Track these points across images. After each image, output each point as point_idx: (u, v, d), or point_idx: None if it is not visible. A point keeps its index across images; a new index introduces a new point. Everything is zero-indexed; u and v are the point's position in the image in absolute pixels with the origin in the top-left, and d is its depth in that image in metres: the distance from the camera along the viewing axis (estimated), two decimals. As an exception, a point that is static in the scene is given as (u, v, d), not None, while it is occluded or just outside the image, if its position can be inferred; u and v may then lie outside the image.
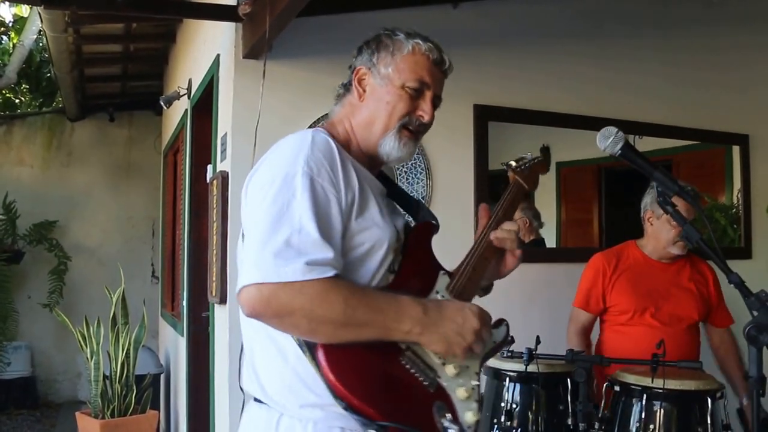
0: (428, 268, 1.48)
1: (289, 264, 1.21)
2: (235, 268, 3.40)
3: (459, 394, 1.34)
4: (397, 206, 1.62)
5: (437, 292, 1.44)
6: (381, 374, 1.29)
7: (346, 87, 1.55)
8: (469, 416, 1.33)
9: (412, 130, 1.49)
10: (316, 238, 1.24)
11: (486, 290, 1.67)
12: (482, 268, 1.52)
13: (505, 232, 1.55)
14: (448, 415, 1.31)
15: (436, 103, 1.51)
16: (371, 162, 1.52)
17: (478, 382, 1.38)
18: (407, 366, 1.31)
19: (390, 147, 1.48)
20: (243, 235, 1.42)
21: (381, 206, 1.43)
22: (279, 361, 1.35)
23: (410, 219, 1.63)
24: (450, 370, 1.35)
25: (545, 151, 3.79)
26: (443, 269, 1.49)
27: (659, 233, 2.76)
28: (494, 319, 1.49)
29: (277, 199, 1.28)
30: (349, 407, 1.23)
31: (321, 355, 1.25)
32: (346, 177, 1.36)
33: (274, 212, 1.27)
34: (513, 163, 1.72)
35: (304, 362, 1.29)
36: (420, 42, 1.49)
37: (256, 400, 1.41)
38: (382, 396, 1.26)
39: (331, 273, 1.23)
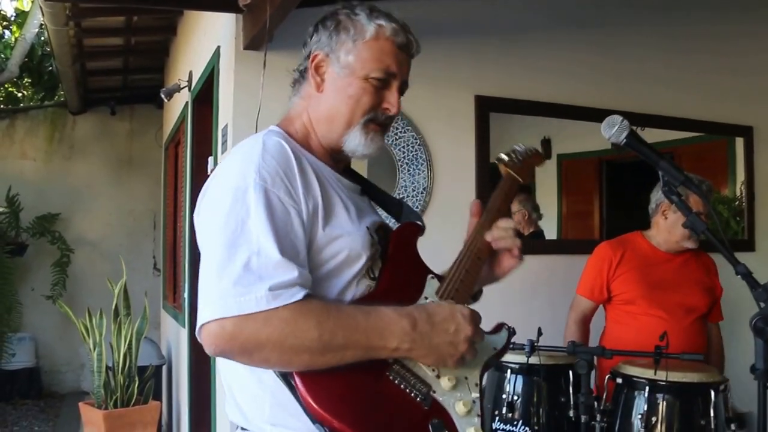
0: (414, 273, 1.35)
1: (251, 292, 1.08)
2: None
3: (458, 409, 1.22)
4: (372, 203, 1.48)
5: (426, 298, 1.32)
6: (366, 392, 1.16)
7: (302, 74, 1.39)
8: None
9: (379, 123, 1.35)
10: (278, 259, 1.11)
11: (474, 297, 1.51)
12: (475, 271, 1.38)
13: (502, 231, 1.40)
14: None
15: (402, 89, 1.37)
16: (335, 158, 1.38)
17: (478, 395, 1.26)
18: (396, 381, 1.18)
19: (356, 144, 1.33)
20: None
21: (349, 209, 1.30)
22: (255, 386, 1.23)
23: (387, 217, 1.52)
24: (445, 383, 1.22)
25: (546, 143, 3.78)
26: (431, 273, 1.36)
27: (674, 227, 2.74)
28: (497, 320, 1.40)
29: (229, 220, 1.15)
30: (330, 431, 1.10)
31: (296, 375, 1.13)
32: (305, 184, 1.22)
33: (228, 234, 1.13)
34: (504, 157, 1.58)
35: (282, 385, 1.17)
36: (383, 23, 1.32)
37: (242, 429, 1.29)
38: (367, 416, 1.13)
39: (299, 295, 1.10)
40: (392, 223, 1.47)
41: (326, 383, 1.13)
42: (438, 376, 1.23)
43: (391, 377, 1.19)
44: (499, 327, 1.39)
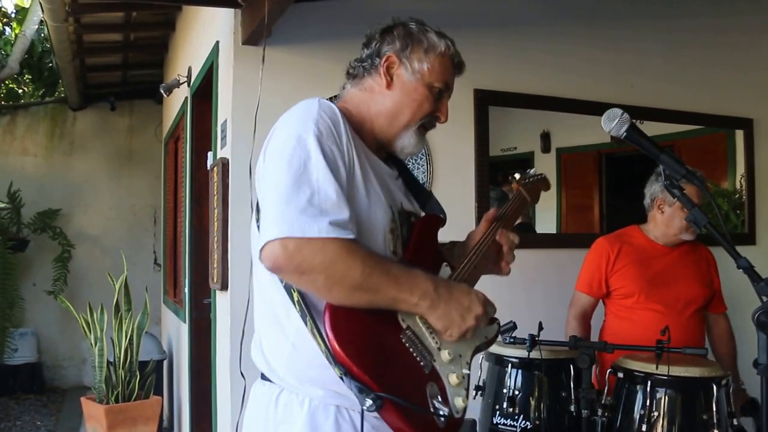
0: (432, 258, 1.51)
1: (315, 222, 1.24)
2: (236, 255, 3.35)
3: (451, 379, 1.37)
4: (407, 190, 1.62)
5: None
6: (382, 347, 1.31)
7: (367, 69, 1.53)
8: (458, 402, 1.37)
9: (427, 127, 1.56)
10: (335, 200, 1.27)
11: None
12: (482, 266, 1.57)
13: (510, 241, 1.62)
14: (439, 398, 1.34)
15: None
16: (379, 147, 1.54)
17: (468, 372, 1.42)
18: (407, 344, 1.34)
19: (407, 142, 1.52)
20: (257, 208, 1.42)
21: (379, 184, 1.44)
22: (281, 336, 1.39)
23: (417, 206, 1.66)
24: (445, 355, 1.38)
25: (545, 137, 3.79)
26: (446, 261, 1.53)
27: (671, 220, 2.75)
28: (498, 314, 1.51)
29: (293, 161, 1.30)
30: (348, 373, 1.24)
31: (327, 318, 1.27)
32: (348, 146, 1.38)
33: (293, 173, 1.28)
34: (518, 176, 1.83)
35: (303, 337, 1.32)
36: (449, 44, 1.53)
37: (263, 377, 1.46)
38: (381, 367, 1.27)
39: (351, 235, 1.26)
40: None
41: (351, 331, 1.28)
42: (439, 349, 1.39)
43: (403, 340, 1.34)
44: (491, 321, 1.54)
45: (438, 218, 1.60)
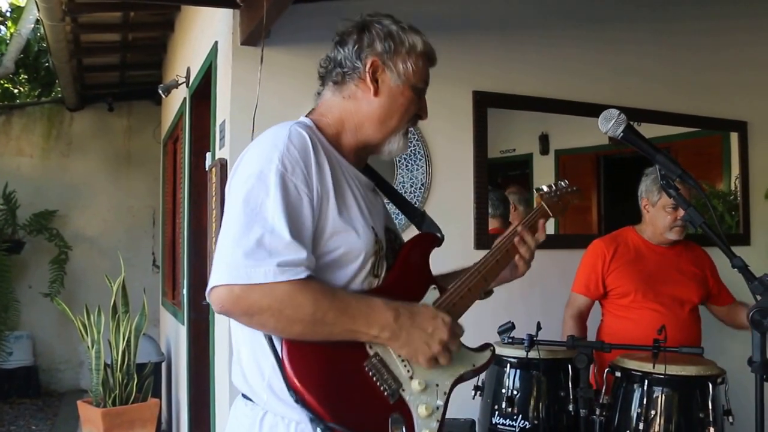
0: (418, 281, 1.46)
1: (261, 265, 1.21)
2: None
3: (420, 411, 1.33)
4: (384, 205, 1.58)
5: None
6: (340, 375, 1.28)
7: (348, 74, 1.47)
8: None
9: (411, 127, 1.53)
10: (288, 240, 1.24)
11: (487, 294, 1.66)
12: (477, 289, 1.53)
13: (532, 240, 1.63)
14: (404, 429, 1.30)
15: None
16: (360, 155, 1.51)
17: (442, 403, 1.37)
18: (370, 373, 1.31)
19: (396, 146, 1.50)
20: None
21: (360, 206, 1.40)
22: (261, 357, 1.34)
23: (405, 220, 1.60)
24: (415, 385, 1.34)
25: (544, 139, 3.80)
26: (435, 284, 1.47)
27: (656, 220, 2.81)
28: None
29: (250, 198, 1.28)
30: (300, 401, 1.23)
31: (283, 345, 1.26)
32: (320, 177, 1.33)
33: (248, 211, 1.26)
34: (544, 188, 1.77)
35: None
36: (426, 40, 1.50)
37: (243, 396, 1.42)
38: (336, 396, 1.26)
39: (303, 275, 1.23)
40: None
41: (307, 362, 1.27)
42: (411, 378, 1.34)
43: (366, 368, 1.31)
44: (485, 346, 1.50)
45: (433, 237, 1.55)
